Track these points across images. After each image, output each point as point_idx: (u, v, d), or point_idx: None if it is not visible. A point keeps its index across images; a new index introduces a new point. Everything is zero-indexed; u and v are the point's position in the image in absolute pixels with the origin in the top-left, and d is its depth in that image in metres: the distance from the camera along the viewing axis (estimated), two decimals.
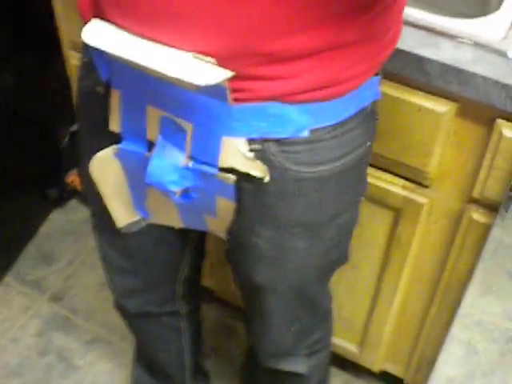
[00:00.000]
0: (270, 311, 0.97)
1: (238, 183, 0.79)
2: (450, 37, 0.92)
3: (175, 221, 0.93)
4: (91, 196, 1.01)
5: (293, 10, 0.64)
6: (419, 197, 1.07)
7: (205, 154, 0.77)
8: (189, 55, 0.68)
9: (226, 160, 0.76)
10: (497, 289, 0.82)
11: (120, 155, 0.85)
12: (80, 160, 0.96)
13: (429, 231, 1.12)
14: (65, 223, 1.87)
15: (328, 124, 0.76)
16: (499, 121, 0.92)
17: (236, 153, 0.75)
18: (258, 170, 0.76)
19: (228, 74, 0.67)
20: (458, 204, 1.05)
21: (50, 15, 1.40)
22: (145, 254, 1.03)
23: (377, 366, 1.43)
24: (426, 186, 1.06)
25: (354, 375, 1.55)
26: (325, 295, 1.02)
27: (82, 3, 0.78)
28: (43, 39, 1.62)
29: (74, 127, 1.81)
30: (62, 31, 1.23)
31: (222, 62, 0.68)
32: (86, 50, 0.83)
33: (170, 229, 0.97)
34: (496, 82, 0.87)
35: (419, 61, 0.89)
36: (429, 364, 1.34)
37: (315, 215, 0.83)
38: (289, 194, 0.79)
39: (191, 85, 0.67)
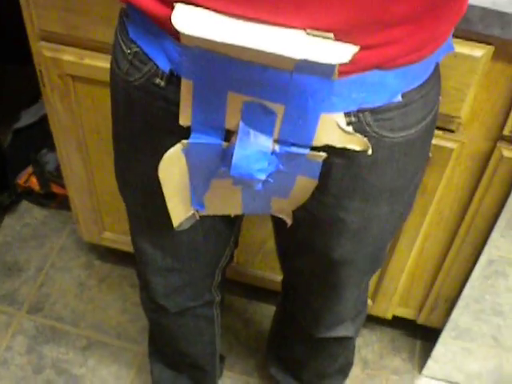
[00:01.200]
0: (343, 283, 0.95)
1: (326, 160, 0.75)
2: None
3: (235, 208, 0.88)
4: (133, 198, 0.93)
5: None
6: (448, 142, 1.07)
7: (296, 134, 0.73)
8: (301, 32, 0.63)
9: (321, 138, 0.72)
10: None
11: (189, 150, 0.78)
12: (121, 162, 0.88)
13: (453, 174, 1.13)
14: (22, 228, 1.73)
15: (417, 85, 0.74)
16: None
17: (334, 129, 0.71)
18: (357, 143, 0.73)
19: (355, 48, 0.63)
20: (485, 144, 1.07)
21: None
22: (194, 250, 0.97)
23: (389, 314, 1.46)
24: (452, 131, 1.07)
25: None
26: (387, 255, 1.01)
27: None
28: None
29: (17, 125, 1.67)
30: (30, 20, 1.10)
31: (338, 36, 0.63)
32: (133, 39, 0.75)
33: (221, 218, 0.91)
34: None
35: None
36: (446, 301, 1.38)
37: (401, 179, 0.81)
38: (381, 163, 0.77)
39: (316, 65, 0.62)
